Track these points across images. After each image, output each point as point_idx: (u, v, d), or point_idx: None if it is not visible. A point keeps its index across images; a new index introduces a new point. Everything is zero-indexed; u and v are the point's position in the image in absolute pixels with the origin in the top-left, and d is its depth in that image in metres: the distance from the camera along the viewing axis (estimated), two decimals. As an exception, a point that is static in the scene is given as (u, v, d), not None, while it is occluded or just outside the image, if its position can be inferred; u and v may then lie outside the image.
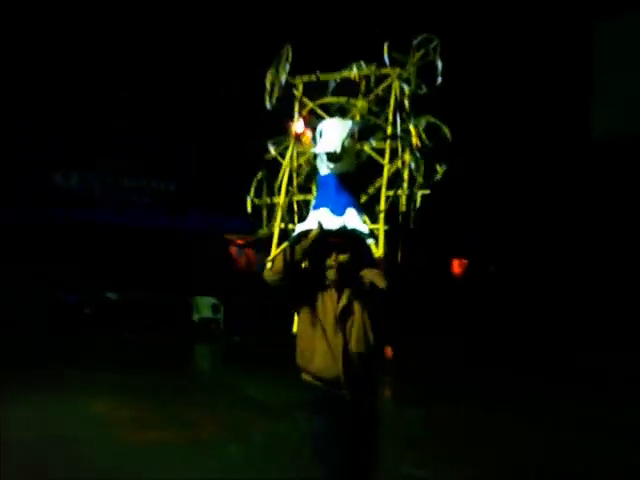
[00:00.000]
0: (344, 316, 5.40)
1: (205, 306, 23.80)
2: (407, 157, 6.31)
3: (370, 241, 5.69)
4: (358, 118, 6.52)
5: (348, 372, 5.30)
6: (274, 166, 6.59)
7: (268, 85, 6.69)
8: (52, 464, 8.73)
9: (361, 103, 6.60)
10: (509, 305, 24.16)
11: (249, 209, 6.39)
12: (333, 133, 5.82)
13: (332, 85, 6.80)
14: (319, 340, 5.39)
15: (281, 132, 6.72)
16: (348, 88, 6.62)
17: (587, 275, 23.39)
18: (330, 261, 5.42)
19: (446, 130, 6.46)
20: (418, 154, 6.32)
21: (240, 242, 29.36)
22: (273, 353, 15.54)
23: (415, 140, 6.27)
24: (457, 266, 29.13)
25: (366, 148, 6.46)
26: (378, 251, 5.87)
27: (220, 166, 28.06)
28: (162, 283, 24.92)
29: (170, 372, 16.29)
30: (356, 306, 5.41)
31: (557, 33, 21.32)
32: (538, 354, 19.82)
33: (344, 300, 5.41)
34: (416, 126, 6.31)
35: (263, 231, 6.30)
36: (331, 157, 5.75)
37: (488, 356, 19.56)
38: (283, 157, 6.70)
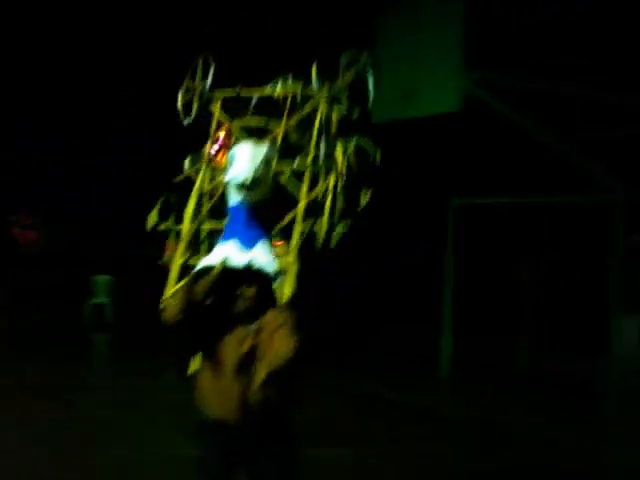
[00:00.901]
0: (246, 361, 4.94)
1: None
2: (331, 183, 6.01)
3: (276, 283, 5.30)
4: (279, 139, 6.22)
5: (246, 420, 4.95)
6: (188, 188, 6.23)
7: (181, 98, 6.42)
8: None
9: (283, 126, 6.24)
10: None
11: (148, 228, 6.09)
12: (245, 159, 5.48)
13: (255, 100, 6.48)
14: (215, 384, 5.03)
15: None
16: (272, 104, 6.37)
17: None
18: (236, 295, 5.04)
19: (377, 154, 6.13)
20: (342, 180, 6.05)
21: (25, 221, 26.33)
22: (54, 336, 18.89)
23: (342, 165, 6.04)
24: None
25: (284, 176, 6.13)
26: (285, 294, 5.28)
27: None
28: None
29: None
30: (259, 352, 4.93)
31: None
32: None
33: (247, 344, 4.94)
34: (344, 151, 6.11)
35: (166, 258, 5.97)
36: (241, 186, 5.41)
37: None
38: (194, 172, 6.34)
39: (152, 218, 6.18)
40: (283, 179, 6.14)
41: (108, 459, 8.92)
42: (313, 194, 6.04)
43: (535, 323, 15.34)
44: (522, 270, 15.23)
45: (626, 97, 13.51)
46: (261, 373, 4.90)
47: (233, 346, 5.02)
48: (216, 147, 6.41)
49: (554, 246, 19.18)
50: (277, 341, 4.91)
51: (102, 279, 22.22)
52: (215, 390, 5.07)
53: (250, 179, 5.41)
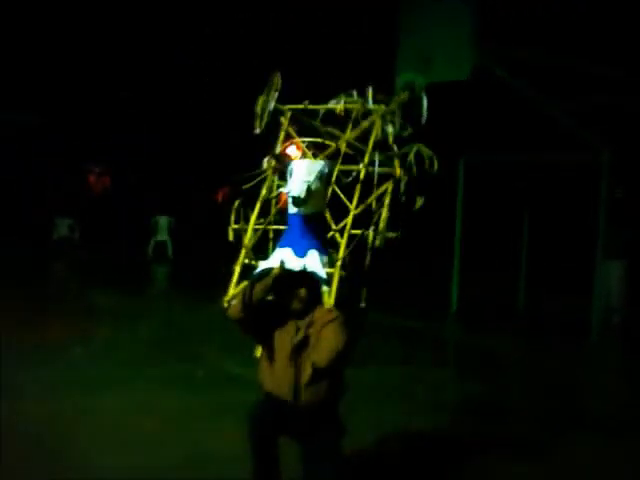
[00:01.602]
0: (299, 350, 5.06)
1: (63, 226, 22.57)
2: (389, 187, 6.05)
3: (325, 288, 5.44)
4: (342, 153, 6.11)
5: (297, 405, 5.06)
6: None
7: (258, 110, 6.33)
8: None
9: (344, 140, 6.18)
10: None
11: (230, 237, 6.01)
12: (299, 175, 5.53)
13: (321, 112, 6.45)
14: (273, 370, 5.12)
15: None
16: (336, 116, 6.29)
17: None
18: (291, 295, 5.08)
19: (435, 161, 6.09)
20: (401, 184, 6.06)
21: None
22: (121, 269, 19.04)
23: (399, 172, 6.04)
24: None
25: (336, 189, 6.08)
26: (329, 300, 5.49)
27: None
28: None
29: (26, 283, 15.77)
30: (310, 343, 5.05)
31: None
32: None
33: (300, 334, 5.05)
34: (406, 155, 6.09)
35: (243, 255, 5.98)
36: (295, 200, 5.49)
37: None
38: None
39: (231, 229, 6.12)
40: (336, 189, 6.08)
41: (167, 372, 9.09)
42: (367, 202, 6.02)
43: (532, 267, 15.40)
44: (522, 220, 15.25)
45: (615, 69, 13.40)
46: (312, 364, 5.03)
47: (287, 337, 5.13)
48: (292, 151, 6.35)
49: (551, 201, 19.14)
50: (328, 334, 5.02)
51: (163, 219, 22.36)
52: (272, 373, 5.17)
53: (303, 194, 5.51)
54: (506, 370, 10.91)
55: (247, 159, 6.66)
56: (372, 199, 6.08)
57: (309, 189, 5.54)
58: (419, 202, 6.09)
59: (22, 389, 7.84)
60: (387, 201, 6.12)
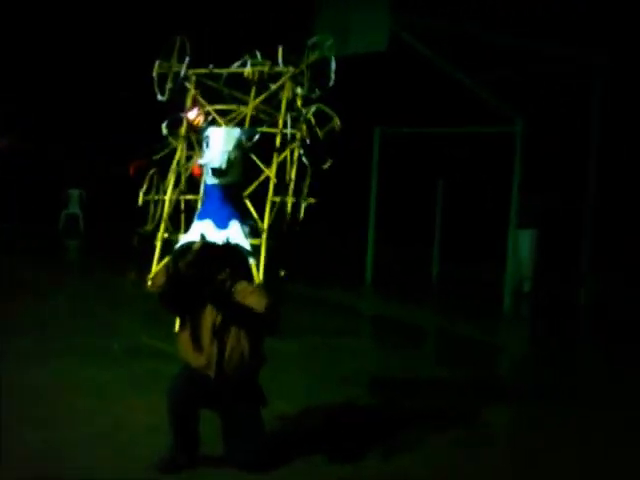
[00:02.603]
0: (221, 328, 5.03)
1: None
2: (296, 152, 5.91)
3: (251, 260, 5.39)
4: (248, 118, 5.97)
5: (221, 379, 5.07)
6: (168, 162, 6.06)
7: (155, 76, 6.16)
8: None
9: (251, 107, 6.04)
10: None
11: (140, 203, 5.94)
12: (218, 145, 5.42)
13: (225, 75, 6.31)
14: (196, 348, 5.08)
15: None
16: (242, 80, 6.18)
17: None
18: (213, 269, 5.03)
19: (336, 120, 6.06)
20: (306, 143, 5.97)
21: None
22: (32, 242, 18.59)
23: (305, 132, 5.93)
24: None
25: (253, 156, 5.83)
26: (259, 272, 5.41)
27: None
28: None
29: None
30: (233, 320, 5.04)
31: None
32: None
33: (220, 315, 5.03)
34: (307, 119, 5.99)
35: (148, 227, 5.88)
36: (215, 172, 5.35)
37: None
38: (175, 139, 6.12)
39: (141, 197, 6.06)
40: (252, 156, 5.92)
41: (84, 345, 8.95)
42: (279, 160, 5.93)
43: (447, 237, 15.61)
44: (436, 191, 15.41)
45: (530, 41, 13.60)
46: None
47: (210, 313, 5.10)
48: (194, 113, 6.18)
49: (465, 171, 19.40)
50: (250, 299, 5.01)
51: (74, 192, 21.95)
52: (194, 348, 5.13)
53: (224, 165, 5.40)
54: (421, 340, 11.10)
55: (156, 129, 6.51)
56: (288, 165, 6.01)
57: (229, 159, 5.45)
58: (327, 163, 6.04)
59: None
60: (295, 165, 6.04)
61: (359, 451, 5.87)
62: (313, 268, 14.28)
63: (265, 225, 5.66)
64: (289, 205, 5.95)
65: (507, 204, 12.74)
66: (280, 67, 6.20)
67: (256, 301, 5.00)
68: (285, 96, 6.10)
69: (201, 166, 5.77)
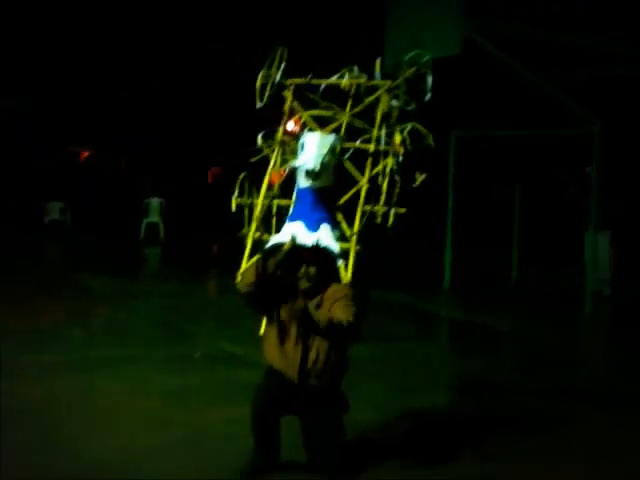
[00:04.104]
0: (307, 329, 5.03)
1: (54, 209, 22.19)
2: (389, 162, 5.84)
3: (340, 262, 5.40)
4: (344, 127, 6.04)
5: (304, 384, 5.05)
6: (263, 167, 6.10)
7: (258, 85, 6.23)
8: None
9: (347, 114, 6.09)
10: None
11: (233, 208, 5.93)
12: (313, 148, 5.50)
13: (322, 87, 6.32)
14: (281, 348, 5.08)
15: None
16: (338, 91, 6.21)
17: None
18: (301, 273, 5.03)
19: (430, 138, 5.97)
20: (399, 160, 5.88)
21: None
22: (114, 251, 18.70)
23: (399, 148, 5.84)
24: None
25: (346, 164, 5.94)
26: (347, 274, 5.39)
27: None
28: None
29: (20, 268, 15.52)
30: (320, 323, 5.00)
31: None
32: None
33: (310, 315, 5.01)
34: (401, 132, 5.92)
35: (244, 231, 5.83)
36: (309, 174, 5.42)
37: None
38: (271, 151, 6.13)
39: (234, 201, 6.04)
40: (347, 164, 5.98)
41: (165, 352, 9.03)
42: (372, 174, 5.93)
43: (525, 240, 15.35)
44: (514, 194, 15.18)
45: (608, 43, 13.32)
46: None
47: (296, 317, 5.09)
48: (291, 125, 6.25)
49: (542, 173, 19.09)
50: (337, 309, 4.95)
51: (154, 201, 22.13)
52: (279, 351, 5.12)
53: (317, 167, 5.45)
54: (503, 345, 10.90)
55: (238, 138, 6.54)
56: (380, 175, 5.96)
57: (323, 162, 5.50)
58: (420, 179, 5.96)
59: (21, 371, 7.74)
60: (387, 177, 5.96)
61: (440, 457, 5.80)
62: (390, 272, 14.19)
63: (355, 229, 5.67)
64: (379, 213, 5.87)
65: (584, 206, 12.49)
66: (377, 80, 6.23)
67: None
68: (381, 108, 6.12)
69: (290, 170, 5.84)
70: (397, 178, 5.90)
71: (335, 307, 4.98)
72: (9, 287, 12.83)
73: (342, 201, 5.92)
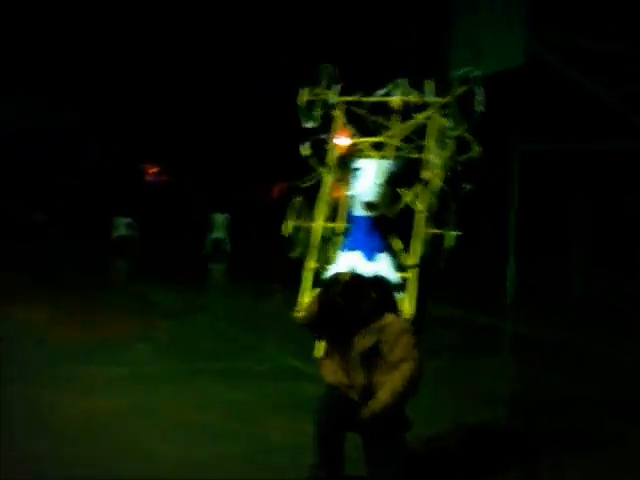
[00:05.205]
0: (369, 355, 4.94)
1: (122, 225, 22.17)
2: (435, 183, 5.63)
3: (401, 295, 5.26)
4: (393, 151, 5.80)
5: (365, 402, 4.93)
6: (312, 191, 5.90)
7: (302, 103, 6.05)
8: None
9: (398, 134, 5.85)
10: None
11: (286, 233, 5.74)
12: (370, 177, 5.38)
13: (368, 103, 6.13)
14: (342, 373, 5.04)
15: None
16: (382, 107, 6.01)
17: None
18: (360, 299, 4.97)
19: (476, 148, 5.72)
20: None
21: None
22: (180, 266, 19.01)
23: (448, 164, 5.69)
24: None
25: (405, 195, 5.64)
26: (408, 308, 5.24)
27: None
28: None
29: (88, 283, 15.66)
30: (382, 347, 4.94)
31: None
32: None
33: (370, 340, 4.94)
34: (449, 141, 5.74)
35: (296, 253, 5.72)
36: (367, 206, 5.32)
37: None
38: (317, 157, 5.96)
39: (289, 224, 5.88)
40: (406, 198, 5.73)
41: (229, 366, 9.06)
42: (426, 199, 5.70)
43: (588, 254, 15.08)
44: (577, 208, 14.94)
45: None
46: (385, 396, 4.90)
47: (357, 340, 5.00)
48: (341, 141, 6.03)
49: (606, 187, 18.73)
50: (399, 349, 4.93)
51: (219, 216, 22.23)
52: (341, 374, 5.08)
53: (375, 199, 5.36)
54: (566, 359, 10.64)
55: (297, 154, 6.40)
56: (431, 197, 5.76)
57: (380, 193, 5.39)
58: (466, 189, 5.76)
59: (87, 385, 7.84)
60: (438, 199, 5.77)
61: (500, 472, 5.72)
62: (453, 287, 14.04)
63: (416, 260, 5.49)
64: (447, 238, 5.72)
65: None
66: (428, 97, 6.01)
67: (399, 377, 4.91)
68: (433, 127, 5.93)
69: (348, 196, 5.68)
70: (452, 204, 5.73)
71: (397, 347, 4.95)
72: (77, 301, 13.03)
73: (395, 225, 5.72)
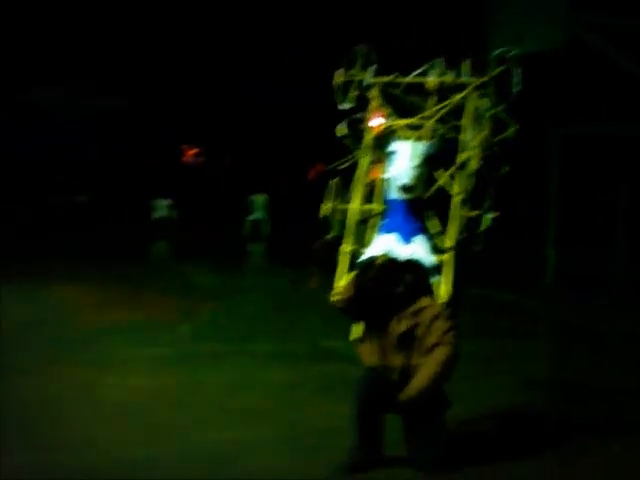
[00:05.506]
0: (406, 338, 5.00)
1: (162, 207, 22.23)
2: (473, 164, 5.62)
3: (436, 278, 5.26)
4: (429, 132, 5.70)
5: (405, 382, 4.99)
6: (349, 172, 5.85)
7: (339, 84, 6.00)
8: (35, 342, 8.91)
9: (434, 116, 5.76)
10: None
11: (322, 214, 5.78)
12: (405, 160, 5.37)
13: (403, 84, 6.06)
14: (380, 356, 5.11)
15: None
16: (420, 88, 5.95)
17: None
18: (396, 282, 5.01)
19: (512, 128, 5.72)
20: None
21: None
22: (219, 247, 19.30)
23: (485, 145, 5.64)
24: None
25: (441, 178, 5.60)
26: (444, 292, 5.24)
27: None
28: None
29: (130, 264, 15.86)
30: (418, 331, 5.00)
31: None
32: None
33: (406, 323, 5.00)
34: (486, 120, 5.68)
35: (331, 235, 5.74)
36: (403, 188, 5.31)
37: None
38: (353, 138, 5.98)
39: (326, 206, 5.91)
40: (441, 180, 5.71)
41: (268, 347, 9.15)
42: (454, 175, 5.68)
43: (628, 239, 14.91)
44: (617, 193, 14.77)
45: None
46: (420, 381, 4.98)
47: (394, 324, 5.08)
48: (377, 121, 5.99)
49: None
50: (434, 334, 5.00)
51: (259, 198, 22.33)
52: (380, 355, 5.16)
53: (411, 182, 5.38)
54: (603, 344, 10.55)
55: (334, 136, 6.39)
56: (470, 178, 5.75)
57: (415, 176, 5.41)
58: (503, 170, 5.76)
59: (130, 365, 7.99)
60: (474, 180, 5.78)
61: (536, 455, 5.71)
62: (492, 271, 13.99)
63: (452, 242, 5.50)
64: (484, 220, 5.71)
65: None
66: (464, 78, 5.98)
67: (434, 363, 5.01)
68: (469, 108, 5.89)
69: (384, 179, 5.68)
70: (489, 187, 5.73)
71: (431, 331, 5.03)
72: (119, 283, 13.17)
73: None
